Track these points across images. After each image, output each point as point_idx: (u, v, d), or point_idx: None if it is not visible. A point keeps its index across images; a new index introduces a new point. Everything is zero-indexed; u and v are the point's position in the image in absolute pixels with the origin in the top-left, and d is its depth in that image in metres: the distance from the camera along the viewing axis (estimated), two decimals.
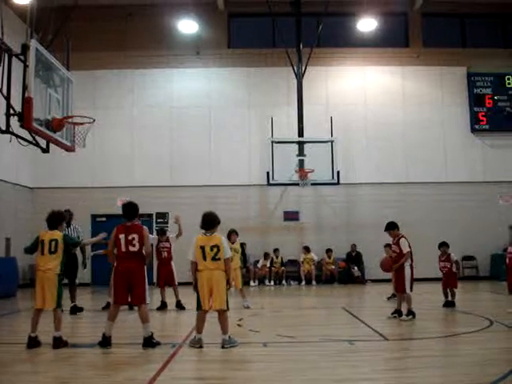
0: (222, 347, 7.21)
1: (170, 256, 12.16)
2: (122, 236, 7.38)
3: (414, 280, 9.89)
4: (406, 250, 9.78)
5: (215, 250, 7.31)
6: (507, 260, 11.03)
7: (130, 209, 7.62)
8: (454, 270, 11.67)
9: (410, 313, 9.70)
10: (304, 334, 8.56)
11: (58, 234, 7.62)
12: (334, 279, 19.10)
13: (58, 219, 7.79)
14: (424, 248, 17.40)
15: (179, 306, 11.73)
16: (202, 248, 7.31)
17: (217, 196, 19.33)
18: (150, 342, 7.31)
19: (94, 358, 6.89)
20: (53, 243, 7.51)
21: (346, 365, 6.36)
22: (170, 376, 5.88)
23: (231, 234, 11.72)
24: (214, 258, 7.28)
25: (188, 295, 11.53)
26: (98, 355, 7.04)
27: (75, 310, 11.08)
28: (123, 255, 7.39)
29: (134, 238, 7.36)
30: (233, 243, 11.59)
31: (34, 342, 7.31)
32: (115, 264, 7.50)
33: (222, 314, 7.36)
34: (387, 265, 10.43)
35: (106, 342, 7.32)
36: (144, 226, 7.62)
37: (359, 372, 6.06)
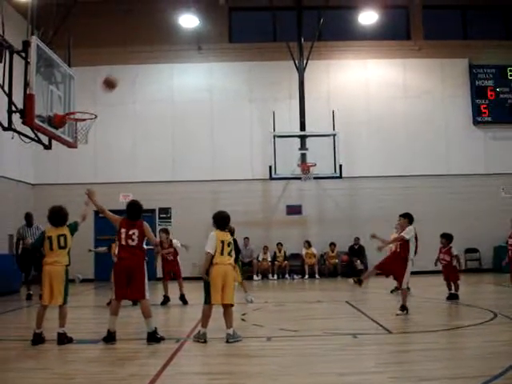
0: (227, 341, 7.25)
1: (176, 257, 12.15)
2: (123, 230, 7.59)
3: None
4: (404, 236, 9.64)
5: (231, 246, 7.58)
6: (510, 252, 11.03)
7: (134, 210, 7.78)
8: (454, 263, 11.62)
9: (404, 308, 9.59)
10: (308, 328, 8.57)
11: (65, 229, 7.67)
12: (337, 273, 19.13)
13: (63, 216, 7.76)
14: (427, 241, 17.43)
15: (183, 300, 11.74)
16: (222, 242, 7.47)
17: (219, 191, 19.38)
18: (154, 337, 7.34)
19: (99, 354, 6.92)
20: (61, 238, 7.58)
21: (349, 358, 6.39)
22: (175, 371, 5.90)
23: None
24: (229, 253, 7.52)
25: (190, 290, 11.58)
26: (102, 351, 7.07)
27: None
28: (123, 248, 7.61)
29: (134, 233, 7.57)
30: None
31: (39, 339, 7.36)
32: (115, 258, 7.79)
33: (229, 309, 7.43)
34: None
35: (110, 337, 7.38)
36: (144, 222, 7.81)
37: (363, 365, 6.08)
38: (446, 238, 11.82)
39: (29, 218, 13.89)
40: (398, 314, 9.47)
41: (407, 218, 9.97)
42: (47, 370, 6.02)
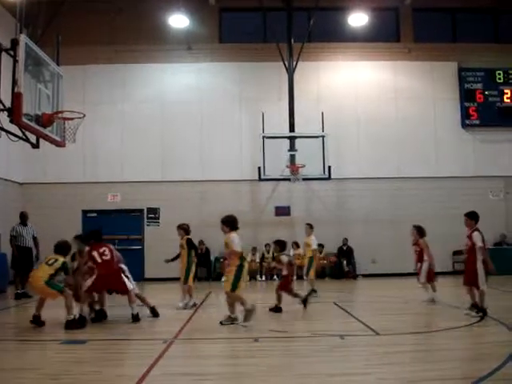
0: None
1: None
2: (95, 252, 9.08)
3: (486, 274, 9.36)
4: (478, 244, 9.34)
5: None
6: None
7: (97, 234, 9.47)
8: (285, 272, 11.08)
9: (481, 310, 9.20)
10: (296, 329, 8.58)
11: (60, 258, 8.79)
12: (325, 274, 19.13)
13: (67, 249, 9.10)
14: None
15: (135, 318, 9.16)
16: None
17: (208, 191, 19.36)
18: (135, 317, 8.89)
19: (85, 355, 6.88)
20: (52, 260, 8.73)
21: (337, 359, 6.39)
22: (162, 372, 5.88)
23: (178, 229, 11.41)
24: None
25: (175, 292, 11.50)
26: (89, 351, 7.04)
27: (22, 295, 13.06)
28: (99, 265, 9.02)
29: (104, 250, 9.15)
30: (181, 238, 11.28)
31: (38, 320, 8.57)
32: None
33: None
34: None
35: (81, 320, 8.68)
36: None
37: (351, 367, 6.08)
38: (279, 245, 11.51)
39: (23, 217, 14.01)
40: (469, 314, 9.24)
41: (474, 220, 9.71)
42: (35, 370, 5.97)
